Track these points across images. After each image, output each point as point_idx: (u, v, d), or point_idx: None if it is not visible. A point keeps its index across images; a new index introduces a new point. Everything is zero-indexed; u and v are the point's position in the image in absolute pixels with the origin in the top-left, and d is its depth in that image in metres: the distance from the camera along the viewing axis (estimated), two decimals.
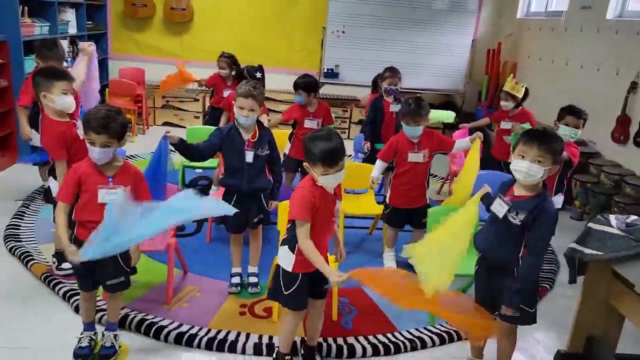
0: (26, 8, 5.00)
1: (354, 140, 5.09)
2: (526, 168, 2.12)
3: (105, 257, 2.05)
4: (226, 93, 4.67)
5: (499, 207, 2.22)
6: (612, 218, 2.28)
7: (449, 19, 7.01)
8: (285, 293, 2.26)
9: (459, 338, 2.77)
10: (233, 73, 4.77)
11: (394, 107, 4.24)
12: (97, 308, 2.54)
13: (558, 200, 3.23)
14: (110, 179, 2.22)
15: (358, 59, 6.97)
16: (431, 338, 2.74)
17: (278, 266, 2.31)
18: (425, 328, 2.82)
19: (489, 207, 2.30)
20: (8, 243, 3.35)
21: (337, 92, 7.34)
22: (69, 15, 6.05)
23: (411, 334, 2.77)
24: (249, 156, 2.87)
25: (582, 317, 2.50)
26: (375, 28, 6.97)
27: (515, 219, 2.16)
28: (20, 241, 3.39)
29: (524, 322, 2.29)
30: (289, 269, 2.25)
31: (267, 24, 7.32)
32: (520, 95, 4.40)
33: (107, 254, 2.02)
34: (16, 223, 3.64)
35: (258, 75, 4.10)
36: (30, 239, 3.44)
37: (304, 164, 2.21)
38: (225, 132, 2.90)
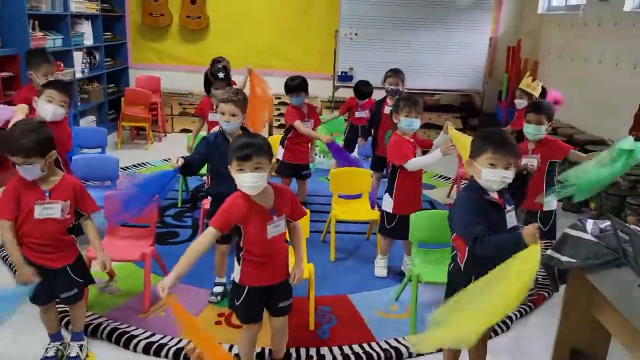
0: (36, 22, 5.16)
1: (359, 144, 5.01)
2: (501, 177, 1.98)
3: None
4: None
5: (514, 219, 2.07)
6: (588, 223, 2.12)
7: (464, 16, 6.81)
8: (236, 304, 2.21)
9: (439, 349, 2.65)
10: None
11: (389, 109, 4.13)
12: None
13: (552, 200, 3.04)
14: (48, 194, 2.20)
15: (372, 60, 6.84)
16: (407, 348, 2.64)
17: None
18: (404, 338, 2.72)
19: None
20: (2, 251, 3.44)
21: (352, 94, 7.23)
22: (85, 27, 6.21)
23: (388, 344, 2.67)
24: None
25: (564, 329, 2.33)
26: (389, 29, 6.85)
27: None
28: None
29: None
30: (237, 280, 2.20)
31: (282, 28, 7.32)
32: (536, 93, 4.20)
33: None
34: None
35: (220, 75, 4.04)
36: None
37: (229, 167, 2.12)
38: (211, 140, 2.89)
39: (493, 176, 1.98)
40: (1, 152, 2.12)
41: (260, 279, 2.18)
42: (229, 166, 2.10)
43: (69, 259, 2.30)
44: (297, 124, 3.99)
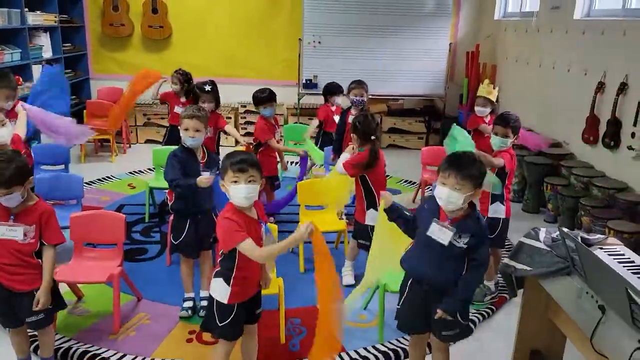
0: None
1: (324, 153, 5.07)
2: (446, 196, 2.06)
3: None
4: (178, 110, 4.66)
5: (441, 233, 2.11)
6: (541, 232, 2.25)
7: (425, 23, 6.98)
8: (220, 325, 2.23)
9: (406, 355, 2.74)
10: (184, 89, 4.73)
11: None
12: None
13: (498, 209, 3.14)
14: (12, 217, 2.20)
15: (336, 68, 6.94)
16: (376, 357, 2.72)
17: (211, 297, 2.27)
18: (373, 347, 2.80)
19: (395, 220, 2.37)
20: None
21: (317, 101, 7.31)
22: (43, 40, 6.10)
23: (358, 353, 2.75)
24: (206, 175, 2.88)
25: (523, 331, 2.46)
26: (351, 37, 6.97)
27: (459, 242, 2.09)
28: None
29: (463, 337, 2.27)
30: (225, 301, 2.21)
31: (245, 37, 7.34)
32: (494, 99, 4.35)
33: None
34: None
35: (207, 88, 4.07)
36: None
37: (220, 182, 2.20)
38: (180, 156, 2.92)
39: (440, 193, 2.08)
40: None
41: (247, 293, 2.25)
42: (220, 181, 2.17)
43: (35, 282, 2.28)
44: (273, 142, 4.10)
